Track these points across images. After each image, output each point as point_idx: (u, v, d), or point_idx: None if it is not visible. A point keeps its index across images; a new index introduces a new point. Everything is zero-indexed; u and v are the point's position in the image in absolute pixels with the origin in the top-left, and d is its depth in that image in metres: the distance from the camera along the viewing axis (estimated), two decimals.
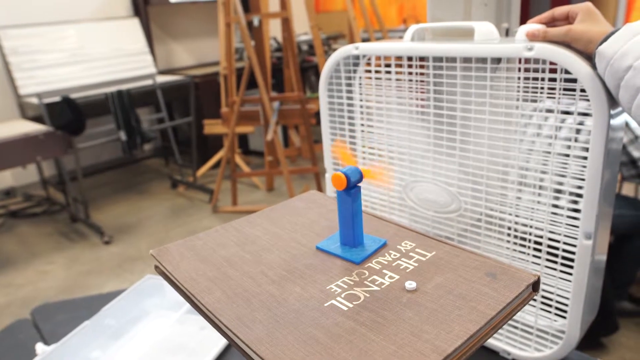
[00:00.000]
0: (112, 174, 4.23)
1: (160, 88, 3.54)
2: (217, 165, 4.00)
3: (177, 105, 4.37)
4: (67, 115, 2.98)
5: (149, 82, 3.53)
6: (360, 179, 0.45)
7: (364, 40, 4.12)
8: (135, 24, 3.90)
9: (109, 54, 3.68)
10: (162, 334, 0.87)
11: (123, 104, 3.20)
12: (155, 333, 0.89)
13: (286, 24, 3.03)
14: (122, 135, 3.21)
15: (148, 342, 0.85)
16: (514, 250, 0.74)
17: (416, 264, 0.45)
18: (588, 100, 0.61)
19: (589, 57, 0.62)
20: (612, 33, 0.58)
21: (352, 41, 3.57)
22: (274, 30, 4.22)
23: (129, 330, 0.91)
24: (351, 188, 0.45)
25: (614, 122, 0.62)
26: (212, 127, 3.68)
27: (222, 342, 0.87)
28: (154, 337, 0.87)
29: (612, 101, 0.61)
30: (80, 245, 2.92)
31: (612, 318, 1.83)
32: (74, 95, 3.11)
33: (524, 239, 0.73)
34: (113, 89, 3.22)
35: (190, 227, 3.03)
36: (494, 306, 0.38)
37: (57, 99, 3.04)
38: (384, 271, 0.45)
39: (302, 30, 4.61)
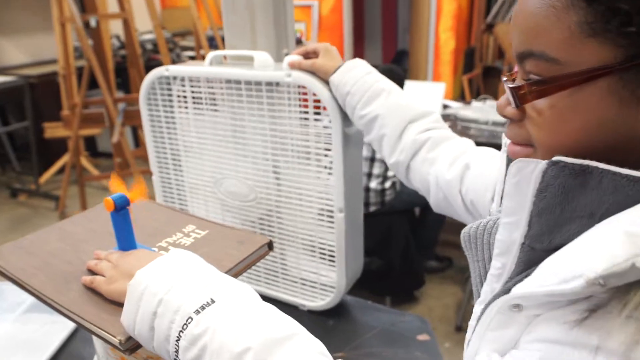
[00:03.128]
0: None
1: None
2: (62, 170, 3.83)
3: (12, 108, 4.07)
4: None
5: None
6: (126, 202, 0.57)
7: (210, 38, 4.23)
8: None
9: None
10: (2, 333, 0.96)
11: None
12: None
13: (126, 25, 3.03)
14: None
15: None
16: (313, 221, 0.98)
17: (193, 240, 0.65)
18: None
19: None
20: (339, 67, 0.83)
21: (197, 39, 3.66)
22: (116, 27, 4.13)
23: None
24: (120, 210, 0.57)
25: (349, 131, 0.87)
26: (53, 130, 3.52)
27: (63, 334, 0.98)
28: None
29: (346, 116, 0.86)
30: None
31: (419, 275, 2.24)
32: None
33: (320, 210, 0.96)
34: None
35: None
36: (234, 260, 0.59)
37: None
38: (169, 248, 0.64)
39: (147, 27, 4.56)
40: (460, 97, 4.32)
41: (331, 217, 0.93)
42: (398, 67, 2.47)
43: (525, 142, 0.42)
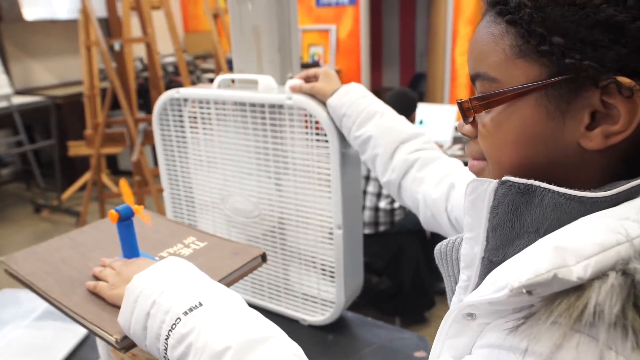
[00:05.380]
0: None
1: (18, 110, 3.44)
2: (84, 187, 3.95)
3: (39, 127, 4.23)
4: None
5: (3, 103, 3.42)
6: (131, 214, 0.62)
7: (229, 61, 4.35)
8: None
9: None
10: (15, 337, 1.01)
11: None
12: (9, 338, 1.02)
13: (149, 48, 3.14)
14: None
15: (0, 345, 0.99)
16: (313, 237, 1.02)
17: (192, 250, 0.69)
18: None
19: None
20: (336, 90, 0.87)
21: (217, 62, 3.77)
22: (139, 50, 4.27)
23: None
24: (124, 220, 0.62)
25: (346, 151, 0.91)
26: (77, 148, 3.65)
27: (73, 342, 1.02)
28: (7, 340, 1.01)
29: (344, 137, 0.90)
30: None
31: (430, 296, 2.23)
32: None
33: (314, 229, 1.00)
34: None
35: None
36: (227, 270, 0.63)
37: None
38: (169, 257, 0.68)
39: (169, 50, 4.71)
40: None
41: (331, 233, 0.96)
42: (412, 90, 2.52)
43: (480, 156, 0.47)
